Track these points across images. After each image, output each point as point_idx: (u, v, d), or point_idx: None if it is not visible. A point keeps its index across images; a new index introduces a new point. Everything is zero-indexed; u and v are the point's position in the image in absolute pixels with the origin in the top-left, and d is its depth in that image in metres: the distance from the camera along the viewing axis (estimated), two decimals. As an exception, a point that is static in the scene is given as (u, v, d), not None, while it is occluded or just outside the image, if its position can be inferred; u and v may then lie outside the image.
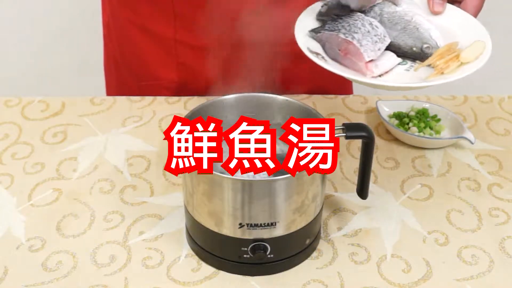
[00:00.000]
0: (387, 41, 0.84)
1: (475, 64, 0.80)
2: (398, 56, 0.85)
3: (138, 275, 0.84)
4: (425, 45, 0.84)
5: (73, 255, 0.86)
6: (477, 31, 0.86)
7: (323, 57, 0.82)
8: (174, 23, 1.10)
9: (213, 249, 0.84)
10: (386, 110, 1.09)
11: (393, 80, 0.83)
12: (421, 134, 1.04)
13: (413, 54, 0.85)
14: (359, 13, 0.86)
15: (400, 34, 0.85)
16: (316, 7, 0.88)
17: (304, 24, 0.87)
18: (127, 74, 1.21)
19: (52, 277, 0.83)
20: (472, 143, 1.02)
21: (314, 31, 0.86)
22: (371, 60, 0.82)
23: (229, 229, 0.80)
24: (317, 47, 0.84)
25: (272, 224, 0.80)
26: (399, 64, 0.85)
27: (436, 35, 0.85)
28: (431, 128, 1.05)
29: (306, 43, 0.84)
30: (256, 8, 1.04)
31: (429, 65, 0.83)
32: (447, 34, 0.86)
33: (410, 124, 1.05)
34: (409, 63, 0.85)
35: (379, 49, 0.82)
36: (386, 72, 0.84)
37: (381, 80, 0.82)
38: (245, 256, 0.82)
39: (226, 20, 1.01)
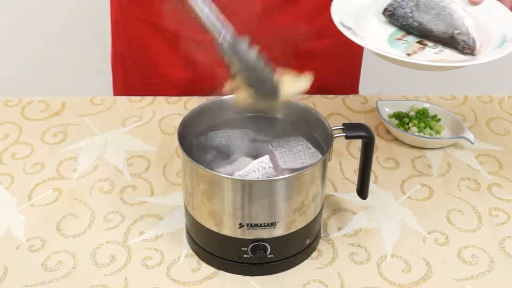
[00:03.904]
0: None
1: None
2: (429, 40, 0.87)
3: (138, 275, 0.84)
4: (456, 31, 0.85)
5: (73, 255, 0.86)
6: (510, 25, 0.87)
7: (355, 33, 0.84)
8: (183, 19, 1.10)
9: (213, 249, 0.84)
10: (386, 110, 1.09)
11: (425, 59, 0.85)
12: (421, 134, 1.04)
13: (443, 39, 0.87)
14: None
15: (433, 19, 0.87)
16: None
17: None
18: (135, 72, 1.21)
19: (52, 277, 0.83)
20: (472, 143, 1.02)
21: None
22: None
23: (229, 229, 0.80)
24: (350, 22, 0.85)
25: (272, 224, 0.80)
26: (429, 47, 0.86)
27: (469, 23, 0.86)
28: (431, 128, 1.05)
29: (340, 19, 0.85)
30: (266, 6, 1.03)
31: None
32: (480, 24, 0.87)
33: (410, 124, 1.05)
34: (439, 47, 0.87)
35: None
36: (414, 52, 0.85)
37: (414, 58, 0.84)
38: (245, 256, 0.82)
39: (235, 18, 1.00)
